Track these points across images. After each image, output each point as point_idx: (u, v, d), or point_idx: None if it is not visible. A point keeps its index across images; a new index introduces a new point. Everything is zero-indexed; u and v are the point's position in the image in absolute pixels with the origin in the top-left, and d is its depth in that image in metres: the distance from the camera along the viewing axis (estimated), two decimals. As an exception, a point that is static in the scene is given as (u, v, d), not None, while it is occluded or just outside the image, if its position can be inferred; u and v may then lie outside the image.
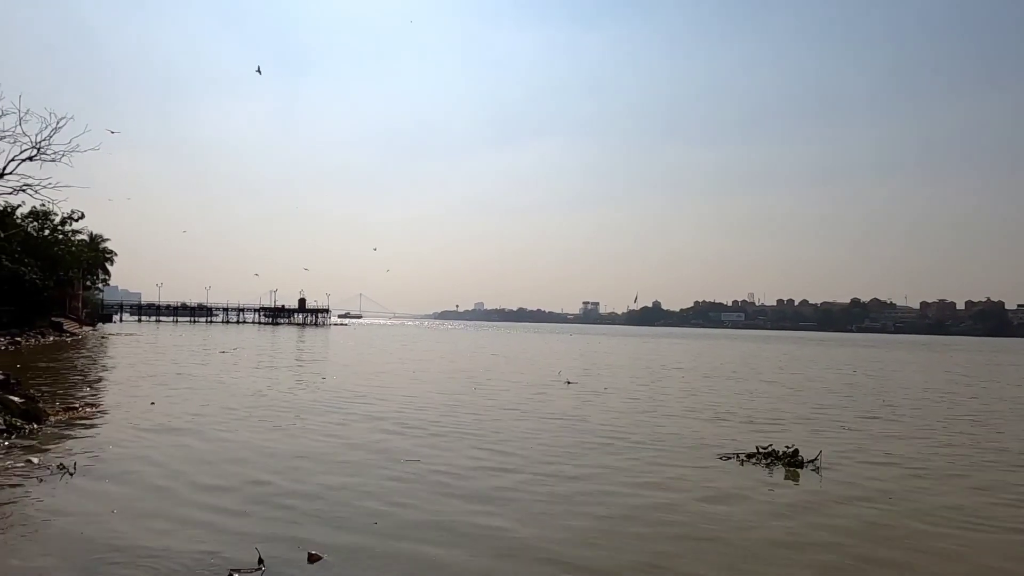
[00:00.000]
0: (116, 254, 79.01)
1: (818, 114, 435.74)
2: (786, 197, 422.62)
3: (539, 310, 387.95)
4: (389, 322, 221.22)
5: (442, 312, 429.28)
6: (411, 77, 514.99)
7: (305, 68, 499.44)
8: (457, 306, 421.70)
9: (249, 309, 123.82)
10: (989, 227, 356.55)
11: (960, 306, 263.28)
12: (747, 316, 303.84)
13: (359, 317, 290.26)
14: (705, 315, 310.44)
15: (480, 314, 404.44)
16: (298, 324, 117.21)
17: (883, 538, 7.28)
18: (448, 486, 8.92)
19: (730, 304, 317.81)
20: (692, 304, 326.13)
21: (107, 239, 75.23)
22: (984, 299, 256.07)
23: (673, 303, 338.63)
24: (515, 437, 12.67)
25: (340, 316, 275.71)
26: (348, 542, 6.63)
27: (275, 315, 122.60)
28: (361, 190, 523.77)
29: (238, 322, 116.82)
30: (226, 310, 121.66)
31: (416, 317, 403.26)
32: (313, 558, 6.11)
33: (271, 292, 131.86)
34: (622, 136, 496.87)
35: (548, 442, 12.25)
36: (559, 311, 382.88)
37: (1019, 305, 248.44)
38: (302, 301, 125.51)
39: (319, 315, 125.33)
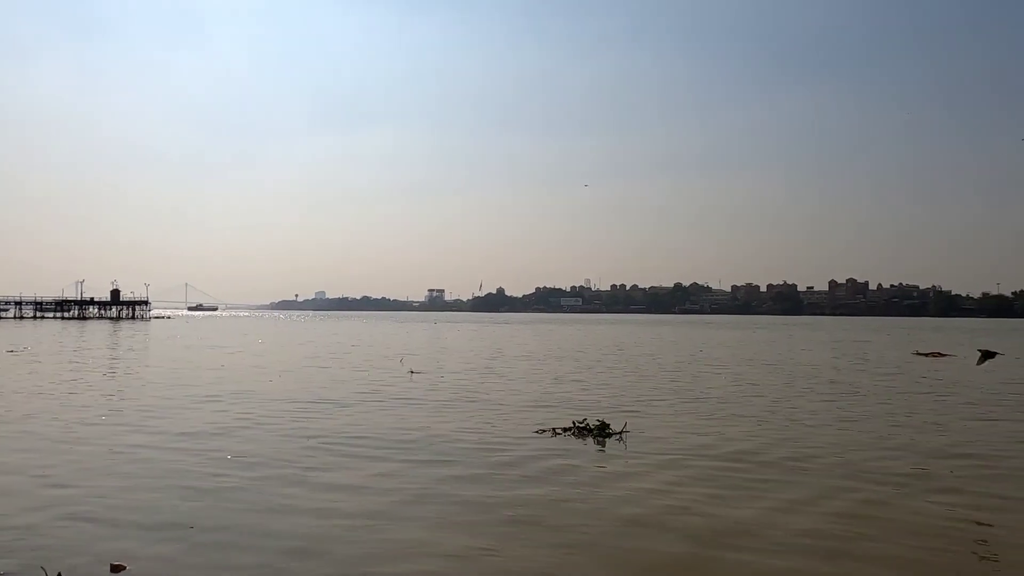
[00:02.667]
0: None
1: (651, 108, 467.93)
2: (620, 187, 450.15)
3: (384, 298, 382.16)
4: (222, 314, 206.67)
5: (280, 302, 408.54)
6: (236, 54, 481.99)
7: (107, 34, 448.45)
8: (296, 295, 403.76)
9: (48, 302, 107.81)
10: (789, 219, 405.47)
11: (763, 288, 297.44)
12: (584, 300, 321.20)
13: (214, 309, 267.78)
14: (546, 300, 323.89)
15: (322, 303, 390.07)
16: (111, 318, 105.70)
17: (667, 493, 8.59)
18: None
19: (569, 289, 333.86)
20: (534, 290, 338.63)
21: None
22: (782, 282, 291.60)
23: (516, 289, 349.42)
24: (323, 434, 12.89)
25: (191, 309, 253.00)
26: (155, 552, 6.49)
27: (81, 308, 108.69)
28: (184, 171, 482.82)
29: (35, 317, 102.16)
30: (19, 304, 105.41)
31: (252, 308, 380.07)
32: (116, 568, 5.96)
33: (77, 283, 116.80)
34: (462, 124, 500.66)
35: (361, 433, 12.64)
36: (405, 299, 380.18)
37: (808, 287, 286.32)
38: (115, 292, 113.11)
39: (136, 308, 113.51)
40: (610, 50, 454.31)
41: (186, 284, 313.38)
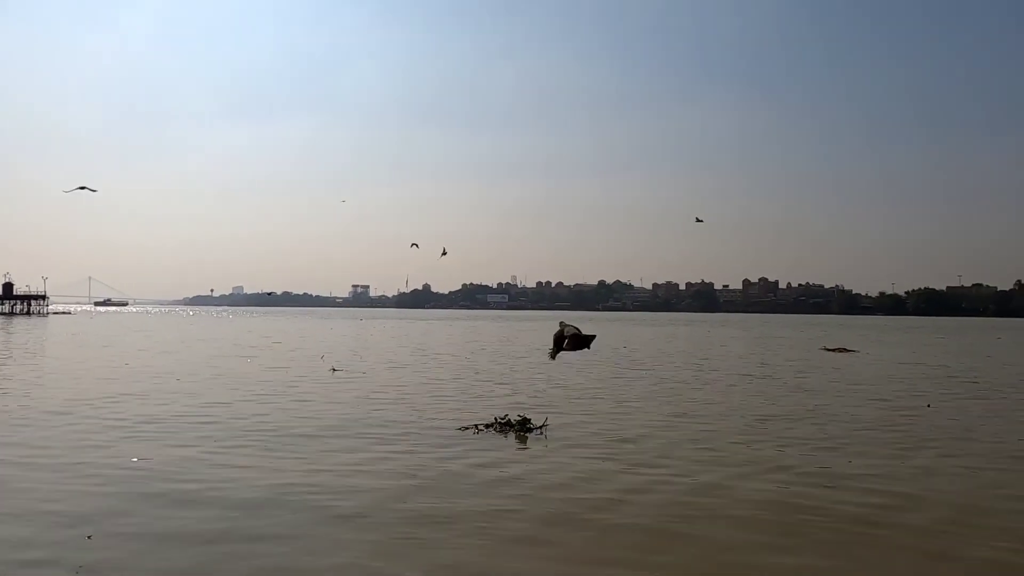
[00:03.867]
0: None
1: (578, 108, 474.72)
2: (547, 185, 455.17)
3: (306, 294, 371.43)
4: (132, 310, 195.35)
5: (194, 297, 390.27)
6: (146, 35, 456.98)
7: (7, 10, 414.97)
8: (212, 290, 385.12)
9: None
10: (707, 220, 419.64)
11: (682, 287, 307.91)
12: (511, 297, 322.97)
13: (124, 305, 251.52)
14: (472, 297, 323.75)
15: (239, 299, 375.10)
16: (3, 314, 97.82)
17: (586, 481, 8.89)
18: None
19: (495, 286, 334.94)
20: (460, 287, 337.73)
21: None
22: (700, 281, 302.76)
23: (442, 285, 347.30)
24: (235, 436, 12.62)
25: (97, 304, 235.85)
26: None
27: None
28: (88, 157, 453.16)
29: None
30: None
31: (164, 303, 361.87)
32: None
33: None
34: (386, 116, 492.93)
35: (277, 430, 12.44)
36: (328, 294, 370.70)
37: (724, 286, 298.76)
38: (8, 286, 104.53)
39: (32, 302, 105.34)
40: (538, 49, 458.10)
41: (90, 278, 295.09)
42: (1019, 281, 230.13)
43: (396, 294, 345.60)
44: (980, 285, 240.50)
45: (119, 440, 11.23)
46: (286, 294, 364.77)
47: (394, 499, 8.13)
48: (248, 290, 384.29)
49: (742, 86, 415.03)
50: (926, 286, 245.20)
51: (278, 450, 10.62)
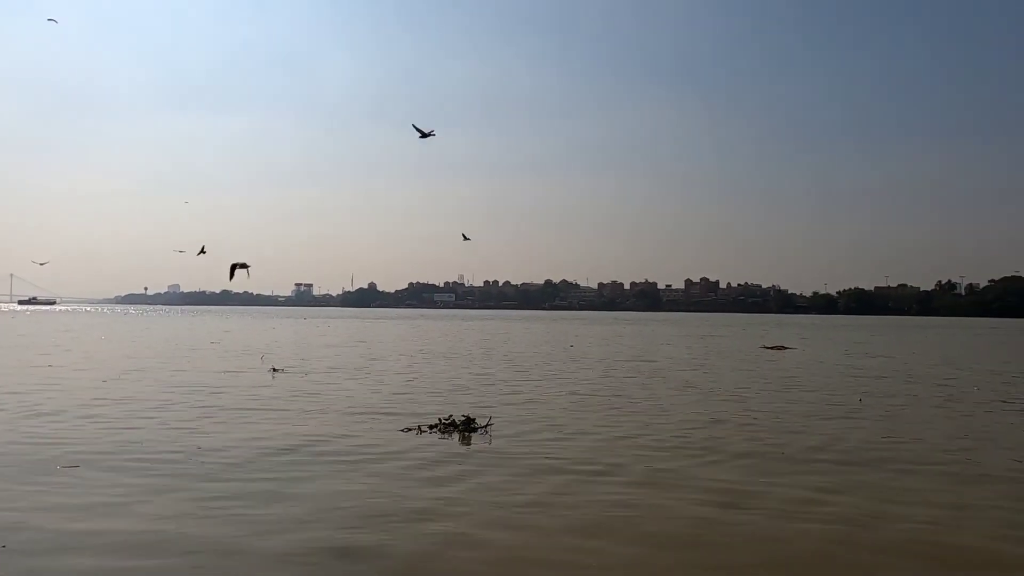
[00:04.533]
0: None
1: (522, 108, 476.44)
2: (493, 185, 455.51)
3: (246, 292, 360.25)
4: (60, 308, 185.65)
5: (127, 296, 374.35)
6: (67, 18, 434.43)
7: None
8: (146, 289, 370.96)
9: None
10: (651, 221, 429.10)
11: (627, 286, 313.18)
12: (458, 296, 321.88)
13: (52, 303, 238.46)
14: (419, 295, 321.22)
15: (176, 297, 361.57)
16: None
17: (526, 477, 8.85)
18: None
19: (442, 285, 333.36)
20: (407, 285, 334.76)
21: None
22: (643, 280, 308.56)
23: (388, 284, 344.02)
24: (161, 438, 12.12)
25: (22, 303, 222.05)
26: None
27: None
28: (10, 149, 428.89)
29: None
30: None
31: (95, 302, 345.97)
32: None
33: None
34: (330, 113, 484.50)
35: (213, 441, 12.00)
36: (269, 293, 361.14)
37: (667, 285, 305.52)
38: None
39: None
40: (482, 50, 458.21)
41: (11, 275, 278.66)
42: (939, 282, 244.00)
43: (341, 293, 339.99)
44: (904, 286, 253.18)
45: None
46: (225, 293, 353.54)
47: (327, 505, 7.90)
48: (185, 288, 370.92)
49: (681, 90, 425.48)
50: (856, 286, 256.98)
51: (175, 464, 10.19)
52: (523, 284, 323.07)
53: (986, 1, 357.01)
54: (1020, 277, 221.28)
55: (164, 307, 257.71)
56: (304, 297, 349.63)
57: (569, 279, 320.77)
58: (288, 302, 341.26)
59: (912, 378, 23.06)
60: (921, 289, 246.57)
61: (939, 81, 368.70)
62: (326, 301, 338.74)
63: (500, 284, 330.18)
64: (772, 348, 37.59)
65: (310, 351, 33.22)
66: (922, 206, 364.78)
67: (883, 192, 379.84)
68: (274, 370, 22.35)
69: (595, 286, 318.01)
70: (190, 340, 41.74)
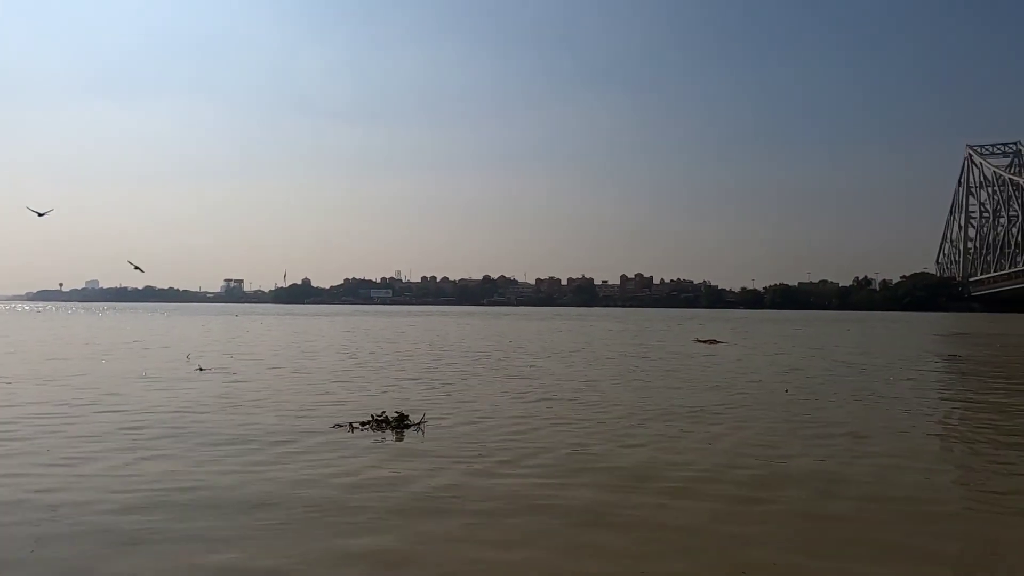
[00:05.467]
0: None
1: (457, 104, 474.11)
2: (429, 180, 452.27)
3: (172, 288, 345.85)
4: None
5: (39, 292, 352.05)
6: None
7: None
8: (61, 285, 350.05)
9: None
10: (586, 217, 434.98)
11: (564, 282, 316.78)
12: (395, 292, 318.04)
13: None
14: (355, 292, 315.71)
15: (93, 294, 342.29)
16: None
17: (463, 470, 8.93)
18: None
19: (379, 281, 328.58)
20: (342, 281, 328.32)
21: None
22: (580, 276, 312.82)
23: (323, 280, 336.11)
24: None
25: None
26: None
27: None
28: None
29: None
30: None
31: (3, 299, 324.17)
32: None
33: None
34: (259, 105, 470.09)
35: (141, 428, 11.59)
36: (197, 289, 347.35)
37: (603, 281, 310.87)
38: None
39: None
40: (418, 45, 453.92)
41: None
42: (856, 278, 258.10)
43: (273, 289, 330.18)
44: (825, 281, 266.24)
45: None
46: (148, 289, 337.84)
47: (246, 506, 7.77)
48: (104, 284, 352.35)
49: (614, 92, 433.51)
50: (781, 282, 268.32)
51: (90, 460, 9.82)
52: (461, 280, 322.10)
53: (897, 17, 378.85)
54: (928, 273, 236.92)
55: (80, 304, 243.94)
56: (234, 293, 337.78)
57: (507, 275, 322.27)
58: (217, 299, 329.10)
59: (831, 369, 24.36)
60: (840, 285, 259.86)
61: (854, 92, 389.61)
62: (258, 298, 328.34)
63: (438, 280, 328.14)
64: (705, 342, 38.79)
65: (240, 349, 32.23)
66: (841, 209, 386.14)
67: (805, 194, 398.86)
68: (200, 369, 21.60)
69: (533, 282, 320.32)
70: (111, 339, 39.77)
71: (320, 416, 13.12)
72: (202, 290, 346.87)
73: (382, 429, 11.68)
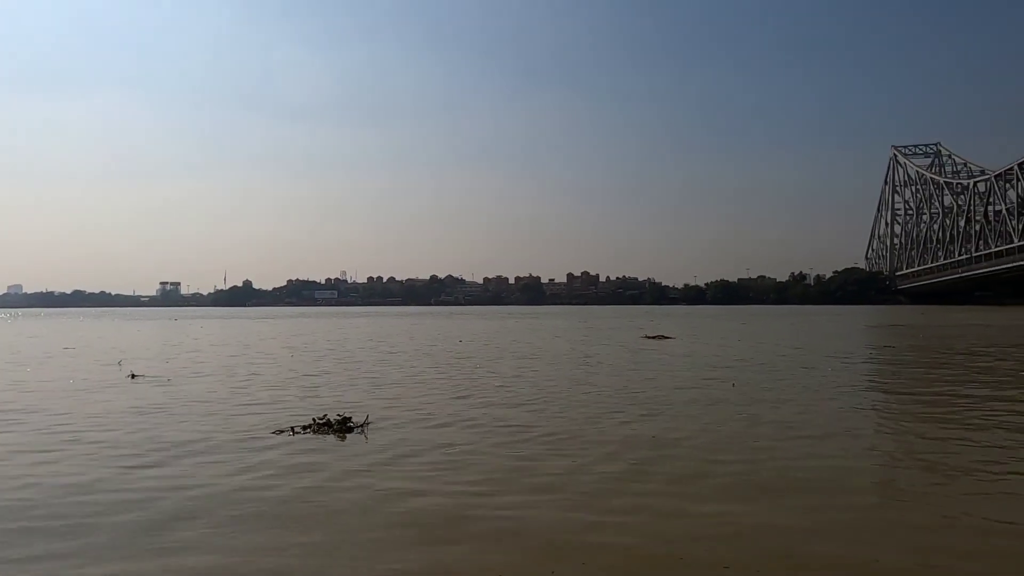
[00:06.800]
0: None
1: (405, 103, 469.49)
2: (377, 179, 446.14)
3: (103, 292, 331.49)
4: None
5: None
6: None
7: None
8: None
9: None
10: (534, 216, 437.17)
11: (512, 280, 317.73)
12: (340, 293, 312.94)
13: None
14: (299, 293, 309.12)
15: (16, 299, 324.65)
16: None
17: (399, 475, 8.70)
18: None
19: (323, 282, 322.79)
20: (286, 283, 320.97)
21: None
22: (528, 275, 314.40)
23: (265, 282, 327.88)
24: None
25: None
26: None
27: None
28: None
29: None
30: None
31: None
32: None
33: None
34: (197, 100, 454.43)
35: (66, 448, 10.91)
36: (131, 293, 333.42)
37: (550, 279, 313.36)
38: None
39: None
40: (364, 43, 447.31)
41: None
42: (792, 273, 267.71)
43: (213, 291, 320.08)
44: (764, 277, 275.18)
45: None
46: (77, 293, 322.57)
47: (171, 517, 7.37)
48: (28, 289, 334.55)
49: (561, 90, 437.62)
50: (722, 278, 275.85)
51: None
52: (408, 280, 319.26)
53: (832, 24, 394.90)
54: (858, 269, 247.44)
55: (3, 310, 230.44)
56: (171, 297, 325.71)
57: (455, 274, 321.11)
58: (152, 302, 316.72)
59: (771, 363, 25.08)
60: (777, 280, 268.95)
61: (789, 96, 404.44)
62: (196, 301, 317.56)
63: (384, 280, 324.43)
64: (653, 338, 39.36)
65: (177, 354, 30.94)
66: (777, 207, 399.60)
67: (744, 194, 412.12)
68: (133, 376, 20.60)
69: (480, 281, 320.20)
70: (37, 346, 37.61)
71: (264, 417, 12.64)
72: (136, 294, 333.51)
73: (324, 433, 11.31)
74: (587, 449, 10.39)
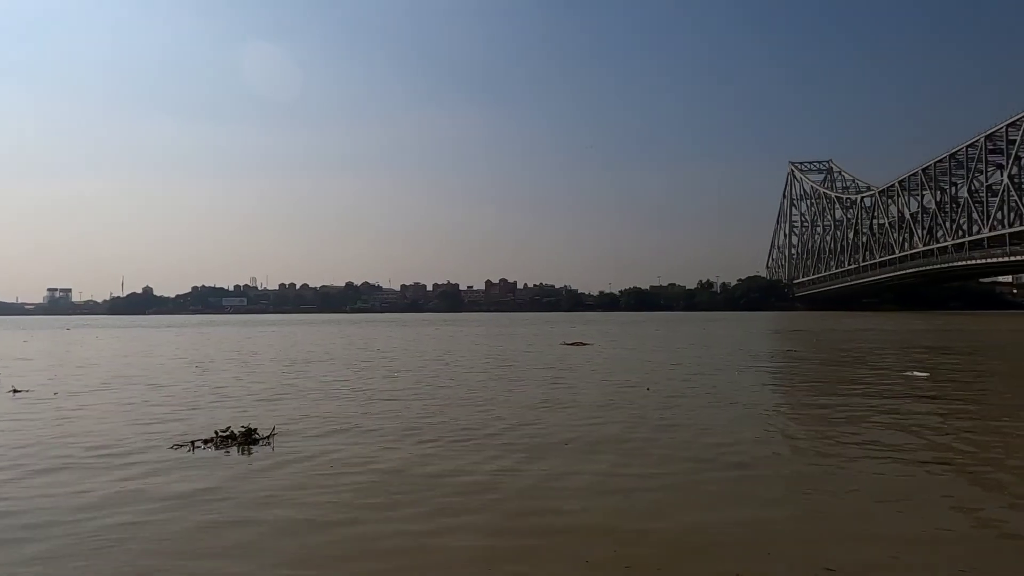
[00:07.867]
0: None
1: (321, 107, 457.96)
2: (292, 185, 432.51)
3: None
4: None
5: None
6: None
7: None
8: None
9: None
10: (453, 224, 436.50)
11: (430, 288, 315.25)
12: (250, 300, 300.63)
13: None
14: (205, 300, 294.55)
15: None
16: None
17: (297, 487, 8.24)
18: None
19: (232, 288, 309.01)
20: (190, 289, 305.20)
21: None
22: (446, 282, 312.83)
23: (168, 288, 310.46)
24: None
25: None
26: None
27: None
28: None
29: None
30: None
31: None
32: None
33: None
34: (93, 96, 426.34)
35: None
36: (14, 300, 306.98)
37: (468, 287, 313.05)
38: None
39: None
40: (278, 42, 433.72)
41: None
42: (700, 281, 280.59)
43: (109, 299, 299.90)
44: (674, 284, 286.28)
45: None
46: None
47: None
48: None
49: (486, 98, 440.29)
50: (635, 286, 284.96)
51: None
52: (323, 287, 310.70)
53: (736, 44, 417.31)
54: (760, 277, 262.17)
55: None
56: (60, 304, 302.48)
57: (371, 281, 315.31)
58: (39, 310, 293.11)
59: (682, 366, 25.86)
60: (686, 288, 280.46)
61: (696, 112, 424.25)
62: (89, 308, 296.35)
63: (297, 287, 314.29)
64: (572, 344, 39.72)
65: (65, 367, 28.52)
66: (686, 218, 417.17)
67: (655, 205, 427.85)
68: (15, 391, 18.70)
69: (397, 288, 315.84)
70: None
71: (163, 432, 11.70)
72: (19, 301, 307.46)
73: (227, 447, 10.59)
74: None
